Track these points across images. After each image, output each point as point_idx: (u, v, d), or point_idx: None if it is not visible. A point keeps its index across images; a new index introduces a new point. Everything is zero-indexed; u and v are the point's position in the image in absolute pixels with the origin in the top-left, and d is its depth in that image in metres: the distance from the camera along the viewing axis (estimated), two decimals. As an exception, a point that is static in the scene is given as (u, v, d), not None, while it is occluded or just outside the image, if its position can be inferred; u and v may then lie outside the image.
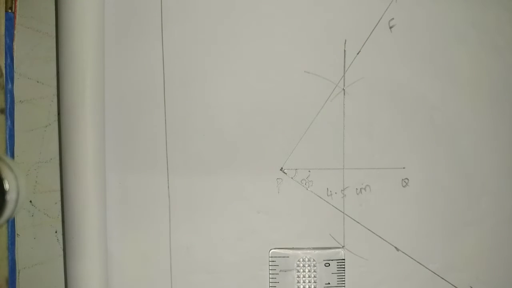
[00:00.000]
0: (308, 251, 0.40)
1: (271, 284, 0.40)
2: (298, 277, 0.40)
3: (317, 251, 0.40)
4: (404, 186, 0.41)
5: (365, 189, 0.40)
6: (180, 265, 0.40)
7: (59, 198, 0.40)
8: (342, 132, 0.40)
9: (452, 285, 0.41)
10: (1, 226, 0.35)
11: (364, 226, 0.41)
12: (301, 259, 0.40)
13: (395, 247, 0.41)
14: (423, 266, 0.41)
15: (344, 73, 0.40)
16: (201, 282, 0.40)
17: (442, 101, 0.41)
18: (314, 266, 0.40)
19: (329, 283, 0.40)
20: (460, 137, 0.41)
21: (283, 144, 0.40)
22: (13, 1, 0.38)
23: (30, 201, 0.40)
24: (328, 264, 0.40)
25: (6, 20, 0.37)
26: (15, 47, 0.39)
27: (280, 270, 0.40)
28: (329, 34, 0.40)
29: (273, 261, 0.40)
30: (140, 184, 0.40)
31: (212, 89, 0.40)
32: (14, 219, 0.39)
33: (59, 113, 0.39)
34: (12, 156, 0.38)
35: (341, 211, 0.40)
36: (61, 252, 0.40)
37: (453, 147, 0.41)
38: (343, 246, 0.40)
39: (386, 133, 0.40)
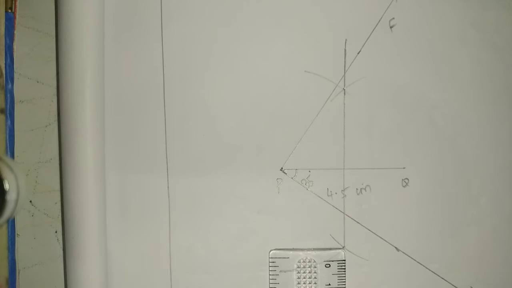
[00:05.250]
0: (309, 252, 0.40)
1: (271, 285, 0.40)
2: (299, 278, 0.40)
3: (317, 252, 0.40)
4: (404, 186, 0.41)
5: (365, 189, 0.40)
6: (179, 265, 0.40)
7: (59, 198, 0.40)
8: (342, 132, 0.40)
9: (452, 285, 0.41)
10: (1, 226, 0.35)
11: (364, 227, 0.41)
12: (301, 260, 0.40)
13: (396, 247, 0.41)
14: (424, 266, 0.41)
15: (344, 73, 0.40)
16: (200, 283, 0.40)
17: (442, 101, 0.41)
18: (315, 267, 0.40)
19: (329, 284, 0.40)
20: (460, 137, 0.41)
21: (283, 144, 0.40)
22: (13, 1, 0.38)
23: (30, 201, 0.40)
24: (328, 265, 0.40)
25: (6, 20, 0.37)
26: (15, 47, 0.39)
27: (280, 271, 0.40)
28: (330, 34, 0.40)
29: (273, 262, 0.40)
30: (140, 184, 0.40)
31: (212, 89, 0.40)
32: (14, 219, 0.39)
33: (59, 113, 0.39)
34: (12, 156, 0.38)
35: (341, 211, 0.40)
36: (61, 252, 0.40)
37: (453, 147, 0.41)
38: (343, 247, 0.40)
39: (386, 133, 0.40)
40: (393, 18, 0.40)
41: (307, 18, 0.40)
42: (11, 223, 0.38)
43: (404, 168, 0.41)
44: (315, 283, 0.40)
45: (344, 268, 0.40)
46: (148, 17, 0.39)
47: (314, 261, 0.40)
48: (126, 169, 0.40)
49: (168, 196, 0.40)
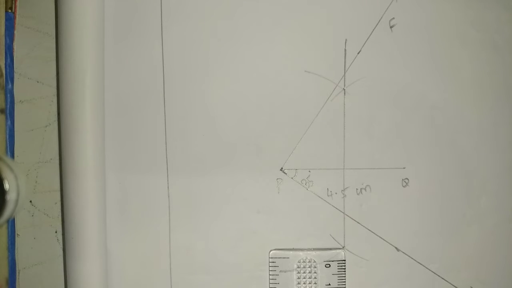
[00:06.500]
0: (309, 252, 0.40)
1: (271, 285, 0.40)
2: (299, 278, 0.40)
3: (317, 252, 0.40)
4: (404, 186, 0.41)
5: (365, 189, 0.40)
6: (179, 265, 0.40)
7: (59, 198, 0.40)
8: (342, 132, 0.40)
9: (452, 285, 0.41)
10: (1, 226, 0.35)
11: (364, 227, 0.40)
12: (301, 260, 0.40)
13: (396, 248, 0.41)
14: (424, 266, 0.41)
15: (344, 73, 0.40)
16: (200, 283, 0.40)
17: (442, 101, 0.41)
18: (315, 267, 0.40)
19: (329, 284, 0.40)
20: (460, 137, 0.41)
21: (283, 144, 0.40)
22: (13, 1, 0.38)
23: (30, 201, 0.40)
24: (328, 265, 0.40)
25: (6, 20, 0.37)
26: (15, 47, 0.39)
27: (280, 271, 0.40)
28: (330, 34, 0.40)
29: (273, 262, 0.40)
30: (140, 184, 0.40)
31: (212, 89, 0.40)
32: (14, 219, 0.39)
33: (59, 113, 0.39)
34: (12, 156, 0.38)
35: (341, 211, 0.40)
36: (61, 252, 0.40)
37: (453, 147, 0.41)
38: (343, 247, 0.40)
39: (386, 133, 0.40)
40: (393, 18, 0.40)
41: (307, 18, 0.40)
42: (11, 223, 0.38)
43: (404, 168, 0.41)
44: (315, 283, 0.40)
45: (344, 268, 0.40)
46: (148, 17, 0.39)
47: (314, 261, 0.40)
48: (126, 169, 0.40)
49: (168, 196, 0.40)
